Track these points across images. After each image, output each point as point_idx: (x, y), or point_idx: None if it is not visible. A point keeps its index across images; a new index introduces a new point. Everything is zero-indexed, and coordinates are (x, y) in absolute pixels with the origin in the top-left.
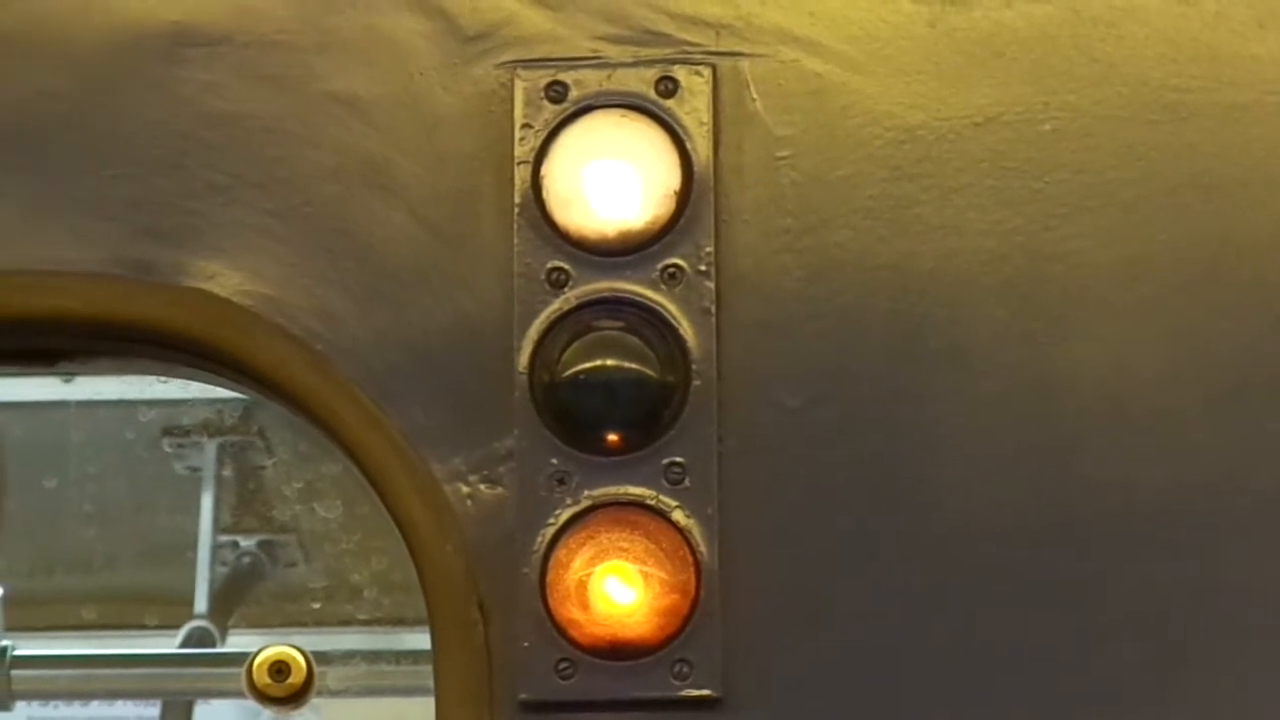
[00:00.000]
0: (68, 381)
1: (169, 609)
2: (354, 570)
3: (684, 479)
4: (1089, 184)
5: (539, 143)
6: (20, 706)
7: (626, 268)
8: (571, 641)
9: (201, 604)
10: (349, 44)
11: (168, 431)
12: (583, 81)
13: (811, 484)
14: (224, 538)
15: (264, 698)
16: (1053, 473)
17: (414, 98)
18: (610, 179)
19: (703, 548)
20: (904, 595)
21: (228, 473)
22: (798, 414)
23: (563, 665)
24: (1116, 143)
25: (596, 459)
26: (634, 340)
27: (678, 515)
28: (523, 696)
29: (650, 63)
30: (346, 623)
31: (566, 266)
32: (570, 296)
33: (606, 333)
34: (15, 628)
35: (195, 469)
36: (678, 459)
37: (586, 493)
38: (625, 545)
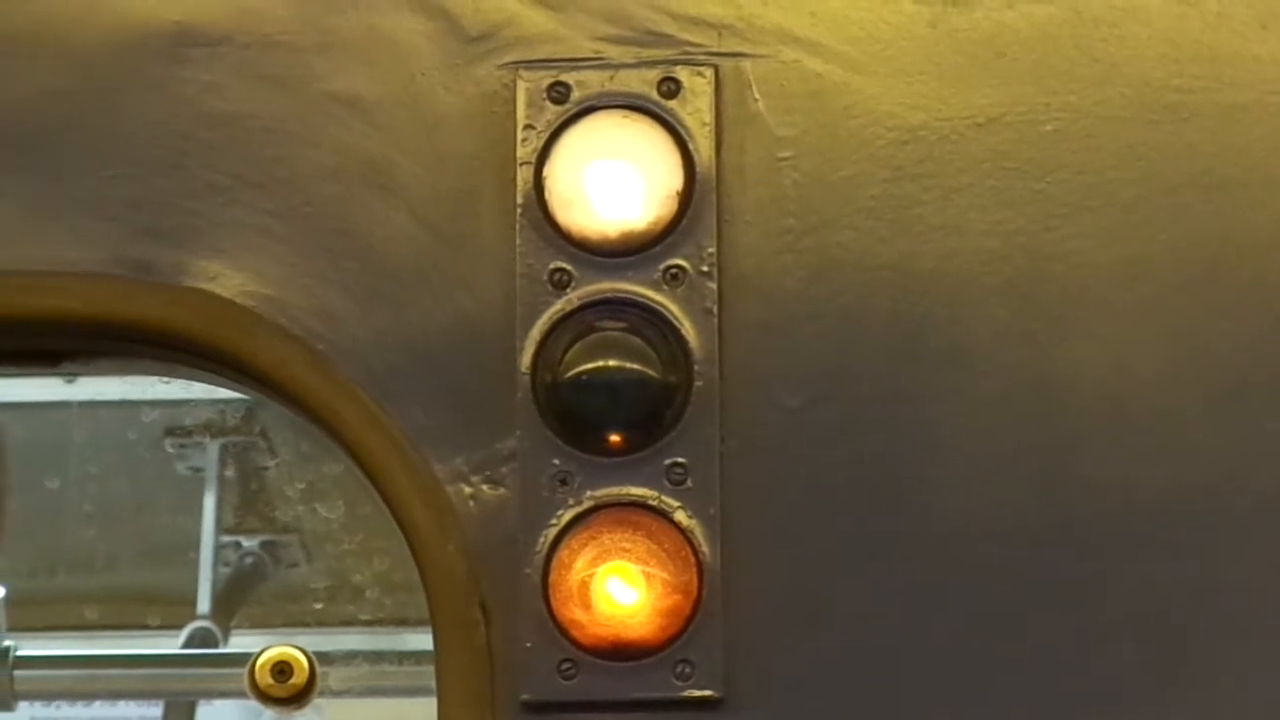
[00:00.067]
0: (70, 382)
1: (171, 609)
2: (356, 571)
3: (686, 479)
4: (1090, 184)
5: (541, 143)
6: (23, 707)
7: (629, 268)
8: (574, 642)
9: (204, 604)
10: (350, 44)
11: (170, 432)
12: (585, 82)
13: (813, 484)
14: (226, 538)
15: (266, 698)
16: (1053, 473)
17: (415, 98)
18: (612, 179)
19: (705, 548)
20: (904, 595)
21: (230, 473)
22: (799, 414)
23: (565, 666)
24: (1117, 143)
25: (599, 459)
26: (636, 341)
27: (680, 516)
28: (525, 697)
29: (652, 63)
30: (349, 623)
31: (569, 267)
32: (572, 297)
33: (609, 333)
34: (18, 628)
35: (197, 469)
36: (680, 459)
37: (589, 493)
38: (627, 546)
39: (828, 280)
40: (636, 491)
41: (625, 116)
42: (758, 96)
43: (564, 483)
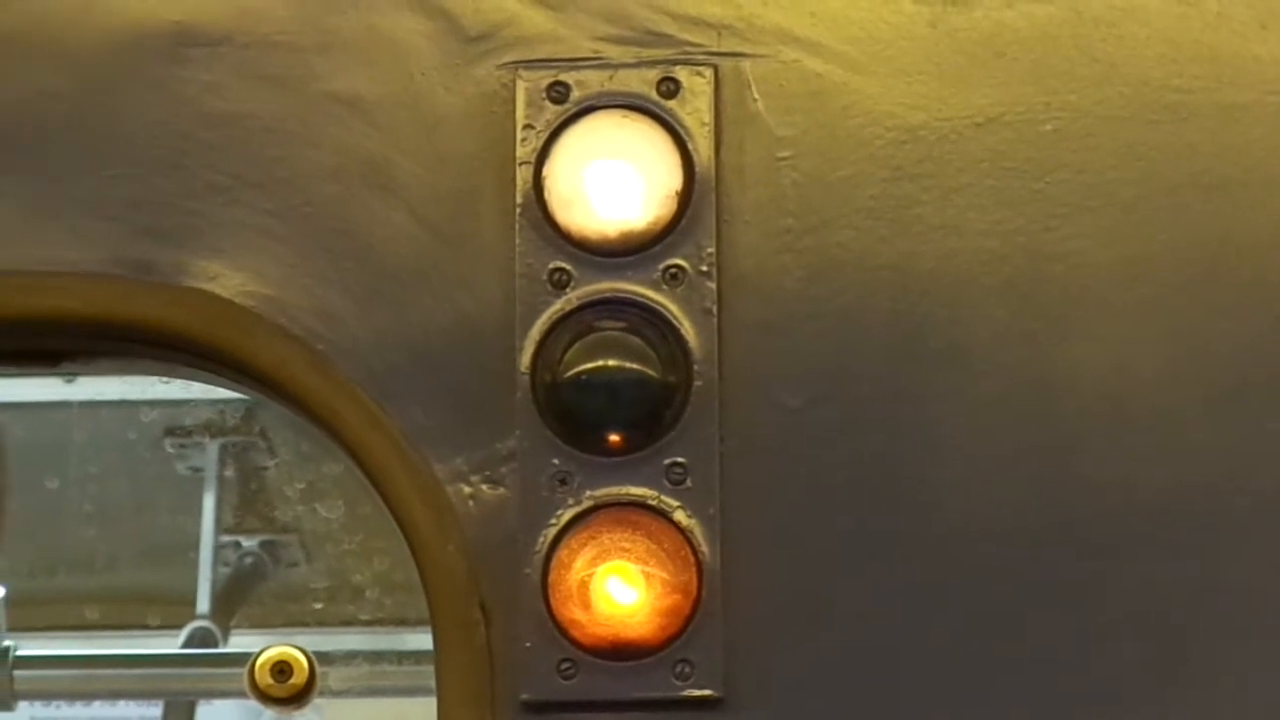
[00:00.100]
0: (70, 382)
1: (171, 609)
2: (356, 570)
3: (685, 479)
4: (1090, 184)
5: (541, 143)
6: (22, 707)
7: (628, 268)
8: (573, 642)
9: (204, 604)
10: (350, 44)
11: (170, 432)
12: (584, 82)
13: (812, 484)
14: (226, 538)
15: (266, 698)
16: (1053, 473)
17: (415, 98)
18: (612, 179)
19: (704, 548)
20: (904, 595)
21: (230, 473)
22: (799, 414)
23: (564, 665)
24: (1117, 143)
25: (598, 459)
26: (635, 341)
27: (679, 515)
28: (524, 697)
29: (652, 63)
30: (348, 623)
31: (568, 267)
32: (572, 297)
33: (608, 333)
34: (17, 628)
35: (197, 469)
36: (679, 459)
37: (588, 493)
38: (627, 545)
39: (827, 280)
40: (636, 491)
41: (625, 116)
42: (757, 96)
43: (563, 482)
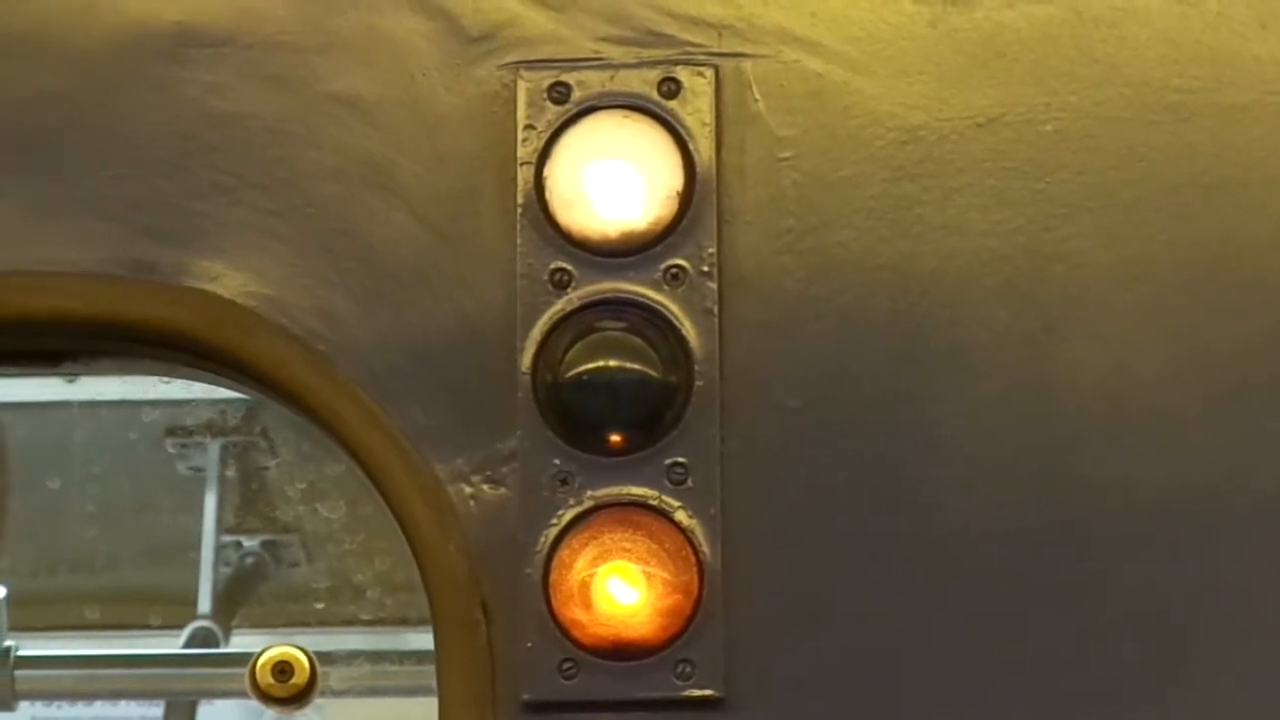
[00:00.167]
0: (71, 382)
1: (172, 609)
2: (357, 570)
3: (686, 479)
4: (1090, 184)
5: (541, 143)
6: (24, 707)
7: (629, 268)
8: (574, 642)
9: (205, 604)
10: (351, 45)
11: (171, 432)
12: (585, 82)
13: (813, 484)
14: (227, 538)
15: (267, 698)
16: (1053, 473)
17: (416, 98)
18: (613, 180)
19: (705, 548)
20: (905, 595)
21: (231, 473)
22: (799, 414)
23: (566, 665)
24: (1118, 143)
25: (599, 459)
26: (636, 341)
27: (680, 515)
28: (525, 697)
29: (653, 64)
30: (350, 623)
31: (569, 267)
32: (573, 297)
33: (609, 333)
34: (19, 628)
35: (198, 469)
36: (680, 459)
37: (589, 493)
38: (628, 545)
39: (828, 280)
40: (637, 491)
41: (626, 116)
42: (758, 97)
43: (564, 482)
